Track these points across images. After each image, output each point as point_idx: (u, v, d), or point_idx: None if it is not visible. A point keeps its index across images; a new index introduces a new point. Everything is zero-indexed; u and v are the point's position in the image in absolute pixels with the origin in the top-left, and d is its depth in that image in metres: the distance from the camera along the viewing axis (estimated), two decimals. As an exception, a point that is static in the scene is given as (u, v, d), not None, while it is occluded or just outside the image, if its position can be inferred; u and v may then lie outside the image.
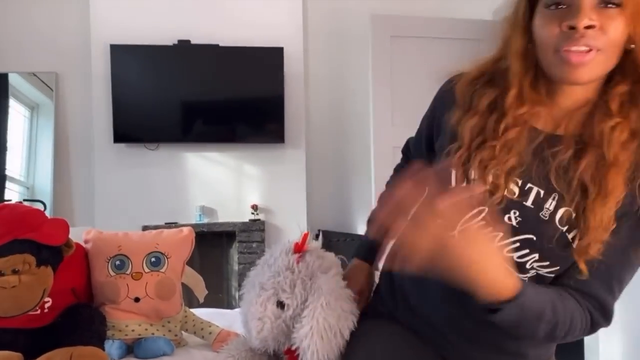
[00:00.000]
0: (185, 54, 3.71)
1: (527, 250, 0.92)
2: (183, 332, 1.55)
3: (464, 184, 0.95)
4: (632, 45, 0.87)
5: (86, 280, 1.50)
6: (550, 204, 0.91)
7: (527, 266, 0.93)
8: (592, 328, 0.95)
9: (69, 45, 3.84)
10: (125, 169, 3.74)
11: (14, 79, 3.85)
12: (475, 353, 1.05)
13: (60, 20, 3.85)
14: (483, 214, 0.91)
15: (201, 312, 1.67)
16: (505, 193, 0.92)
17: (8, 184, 3.83)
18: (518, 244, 0.92)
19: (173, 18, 3.75)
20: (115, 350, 1.39)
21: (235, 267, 3.78)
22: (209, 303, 2.01)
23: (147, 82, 3.69)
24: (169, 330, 1.48)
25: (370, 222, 1.31)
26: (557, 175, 0.91)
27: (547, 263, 0.92)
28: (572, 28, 0.84)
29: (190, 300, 1.85)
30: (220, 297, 3.83)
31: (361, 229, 3.77)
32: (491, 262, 0.83)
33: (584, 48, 0.84)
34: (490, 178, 0.93)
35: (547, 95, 0.94)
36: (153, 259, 1.48)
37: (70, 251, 1.39)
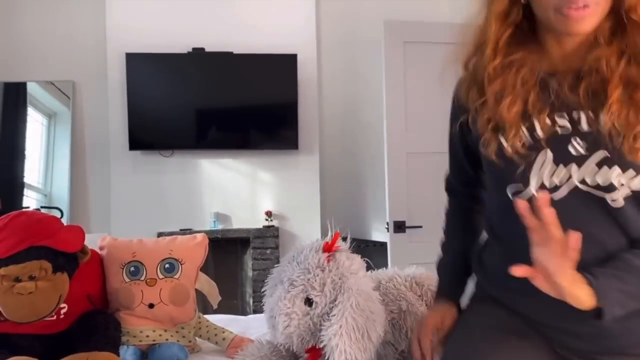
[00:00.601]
0: (199, 62, 3.74)
1: (607, 168, 0.95)
2: (197, 337, 1.56)
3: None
4: None
5: (101, 287, 1.51)
6: (598, 120, 0.97)
7: (616, 184, 0.95)
8: None
9: (86, 54, 3.89)
10: (140, 176, 3.77)
11: (32, 88, 3.91)
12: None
13: (77, 29, 3.90)
14: (547, 156, 0.98)
15: (215, 319, 1.67)
16: (557, 129, 0.99)
17: (26, 192, 3.88)
18: (596, 167, 0.96)
19: (187, 26, 3.78)
20: (130, 356, 1.40)
21: (250, 273, 3.78)
22: (223, 309, 2.02)
23: (162, 90, 3.72)
24: (183, 336, 1.49)
25: (438, 271, 1.33)
26: (585, 94, 0.98)
27: (632, 173, 0.95)
28: None
29: (205, 306, 1.86)
30: (234, 304, 3.84)
31: (375, 235, 3.76)
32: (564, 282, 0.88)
33: (582, 4, 0.94)
34: (524, 131, 1.00)
35: (545, 44, 1.04)
36: (167, 265, 1.49)
37: (86, 258, 1.40)
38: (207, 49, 3.74)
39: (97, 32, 3.83)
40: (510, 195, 1.02)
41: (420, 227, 3.15)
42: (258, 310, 3.49)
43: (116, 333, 1.40)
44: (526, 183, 0.99)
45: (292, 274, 1.23)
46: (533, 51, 1.04)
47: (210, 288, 1.59)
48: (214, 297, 1.61)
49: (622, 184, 0.95)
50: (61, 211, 3.81)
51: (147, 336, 1.45)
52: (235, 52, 3.72)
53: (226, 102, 3.75)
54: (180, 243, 1.55)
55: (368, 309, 1.15)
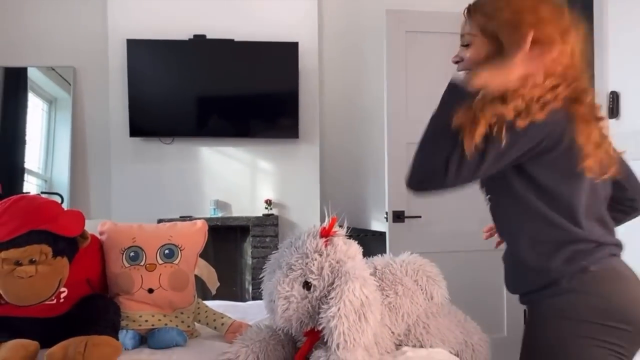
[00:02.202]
0: (200, 49, 3.73)
1: None
2: (196, 323, 1.57)
3: None
4: None
5: (101, 271, 1.52)
6: None
7: None
8: None
9: (87, 40, 3.88)
10: (141, 163, 3.78)
11: (32, 73, 3.90)
12: None
13: (78, 15, 3.89)
14: None
15: (214, 305, 1.69)
16: None
17: (26, 177, 3.89)
18: None
19: (189, 13, 3.77)
20: (129, 340, 1.41)
21: (249, 261, 3.80)
22: (222, 296, 2.03)
23: (163, 77, 3.72)
24: (182, 322, 1.50)
25: None
26: None
27: None
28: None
29: (204, 292, 1.87)
30: (233, 291, 3.86)
31: (374, 225, 3.77)
32: None
33: None
34: None
35: None
36: (167, 251, 1.50)
37: (86, 242, 1.41)
38: (209, 36, 3.73)
39: (99, 18, 3.82)
40: None
41: (420, 217, 3.16)
42: (257, 297, 3.51)
43: (115, 317, 1.41)
44: None
45: (290, 259, 1.25)
46: None
47: (209, 274, 1.60)
48: (213, 283, 1.62)
49: None
50: (61, 197, 3.82)
51: (146, 321, 1.46)
52: (236, 39, 3.71)
53: (227, 90, 3.75)
54: (180, 229, 1.55)
55: (364, 294, 1.17)
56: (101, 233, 1.54)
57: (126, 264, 1.47)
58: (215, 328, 1.56)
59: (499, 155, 1.13)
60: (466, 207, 3.25)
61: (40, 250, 1.26)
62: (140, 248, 1.49)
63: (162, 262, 1.48)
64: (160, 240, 1.51)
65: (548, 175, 1.17)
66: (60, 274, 1.31)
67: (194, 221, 1.61)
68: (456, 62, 1.35)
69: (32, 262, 1.27)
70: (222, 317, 1.56)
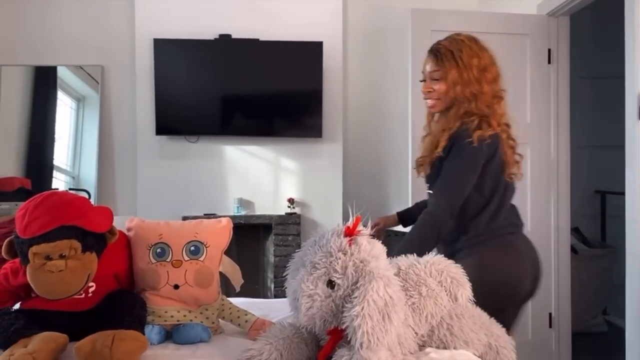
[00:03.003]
0: (225, 48, 3.76)
1: None
2: (220, 319, 1.58)
3: None
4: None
5: (128, 267, 1.54)
6: None
7: None
8: None
9: (115, 39, 3.94)
10: (166, 161, 3.82)
11: (62, 72, 3.98)
12: None
13: (106, 15, 3.96)
14: None
15: (237, 302, 1.69)
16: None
17: (55, 173, 3.97)
18: None
19: (214, 13, 3.81)
20: (155, 335, 1.43)
21: (271, 259, 3.82)
22: (244, 293, 2.05)
23: (188, 76, 3.76)
24: (207, 318, 1.51)
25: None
26: None
27: None
28: None
29: (227, 289, 1.88)
30: (256, 288, 3.88)
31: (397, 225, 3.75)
32: None
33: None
34: None
35: None
36: (192, 248, 1.51)
37: (114, 238, 1.43)
38: (234, 36, 3.75)
39: (127, 18, 3.88)
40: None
41: (443, 217, 3.14)
42: (279, 295, 3.53)
43: (142, 312, 1.43)
44: None
45: (314, 257, 1.24)
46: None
47: (233, 271, 1.61)
48: (237, 280, 1.63)
49: None
50: (89, 193, 3.89)
51: (172, 316, 1.47)
52: (261, 39, 3.73)
53: (251, 89, 3.77)
54: (206, 226, 1.57)
55: (388, 294, 1.16)
56: (129, 229, 1.56)
57: (153, 260, 1.49)
58: (239, 325, 1.57)
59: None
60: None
61: (70, 245, 1.28)
62: (167, 244, 1.50)
63: (188, 258, 1.50)
64: (186, 237, 1.52)
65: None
66: (89, 268, 1.33)
67: (219, 219, 1.62)
68: (427, 92, 1.86)
69: (62, 256, 1.29)
70: (246, 315, 1.57)
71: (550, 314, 3.28)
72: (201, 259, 1.51)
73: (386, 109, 3.98)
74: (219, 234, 1.57)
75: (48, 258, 1.28)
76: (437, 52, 1.85)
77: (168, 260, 1.49)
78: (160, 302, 1.48)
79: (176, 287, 1.47)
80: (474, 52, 1.81)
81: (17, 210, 1.35)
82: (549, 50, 3.23)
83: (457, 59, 1.80)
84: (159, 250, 1.50)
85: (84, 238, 1.31)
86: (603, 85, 4.14)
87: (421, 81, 1.95)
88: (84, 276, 1.31)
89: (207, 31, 3.75)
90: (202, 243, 1.52)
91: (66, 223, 1.28)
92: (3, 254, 1.31)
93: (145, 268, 1.49)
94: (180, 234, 1.53)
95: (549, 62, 3.23)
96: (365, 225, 1.31)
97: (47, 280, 1.27)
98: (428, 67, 1.89)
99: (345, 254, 1.23)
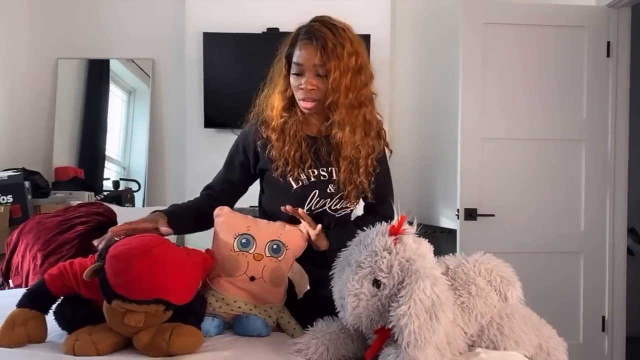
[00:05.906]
0: (273, 42, 3.74)
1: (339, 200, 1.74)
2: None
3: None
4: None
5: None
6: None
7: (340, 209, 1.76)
8: None
9: (165, 33, 4.02)
10: (214, 153, 3.84)
11: (114, 65, 4.09)
12: None
13: (157, 10, 4.04)
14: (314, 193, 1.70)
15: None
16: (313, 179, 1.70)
17: (107, 164, 4.09)
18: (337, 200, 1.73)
19: (262, 7, 3.82)
20: (214, 328, 1.44)
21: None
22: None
23: (236, 69, 3.79)
24: (269, 316, 1.52)
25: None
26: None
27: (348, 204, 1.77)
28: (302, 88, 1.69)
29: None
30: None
31: (444, 222, 3.69)
32: None
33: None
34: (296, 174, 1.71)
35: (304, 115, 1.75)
36: (275, 246, 1.55)
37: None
38: (282, 29, 3.76)
39: (177, 12, 3.94)
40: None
41: (493, 215, 3.07)
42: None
43: (201, 309, 1.43)
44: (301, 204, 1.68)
45: (359, 257, 1.25)
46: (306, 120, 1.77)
47: (301, 278, 1.61)
48: (303, 287, 1.62)
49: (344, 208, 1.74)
50: (138, 184, 3.99)
51: (239, 307, 1.49)
52: (309, 32, 3.72)
53: (298, 82, 3.76)
54: (289, 230, 1.61)
55: (434, 293, 1.15)
56: (217, 216, 1.62)
57: (236, 249, 1.52)
58: (286, 330, 1.56)
59: None
60: (543, 208, 3.14)
61: (156, 309, 1.28)
62: (253, 237, 1.54)
63: (269, 255, 1.53)
64: (272, 235, 1.56)
65: None
66: (161, 320, 1.30)
67: (299, 226, 1.63)
68: (311, 90, 1.66)
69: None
70: (294, 328, 1.55)
71: (603, 317, 3.17)
72: (280, 258, 1.54)
73: (435, 102, 3.91)
74: (299, 240, 1.61)
75: (132, 311, 1.25)
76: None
77: (251, 251, 1.52)
78: (232, 290, 1.50)
79: (252, 279, 1.49)
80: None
81: (114, 244, 1.34)
82: (608, 43, 3.10)
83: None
84: (244, 240, 1.54)
85: (167, 305, 1.29)
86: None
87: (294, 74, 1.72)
88: (155, 328, 1.31)
89: (255, 25, 3.77)
90: (284, 244, 1.56)
91: (160, 297, 1.26)
92: (85, 277, 1.29)
93: (227, 255, 1.52)
94: (266, 230, 1.58)
95: (608, 55, 3.11)
96: (410, 223, 1.29)
97: (121, 327, 1.27)
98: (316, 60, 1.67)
99: (390, 253, 1.22)
